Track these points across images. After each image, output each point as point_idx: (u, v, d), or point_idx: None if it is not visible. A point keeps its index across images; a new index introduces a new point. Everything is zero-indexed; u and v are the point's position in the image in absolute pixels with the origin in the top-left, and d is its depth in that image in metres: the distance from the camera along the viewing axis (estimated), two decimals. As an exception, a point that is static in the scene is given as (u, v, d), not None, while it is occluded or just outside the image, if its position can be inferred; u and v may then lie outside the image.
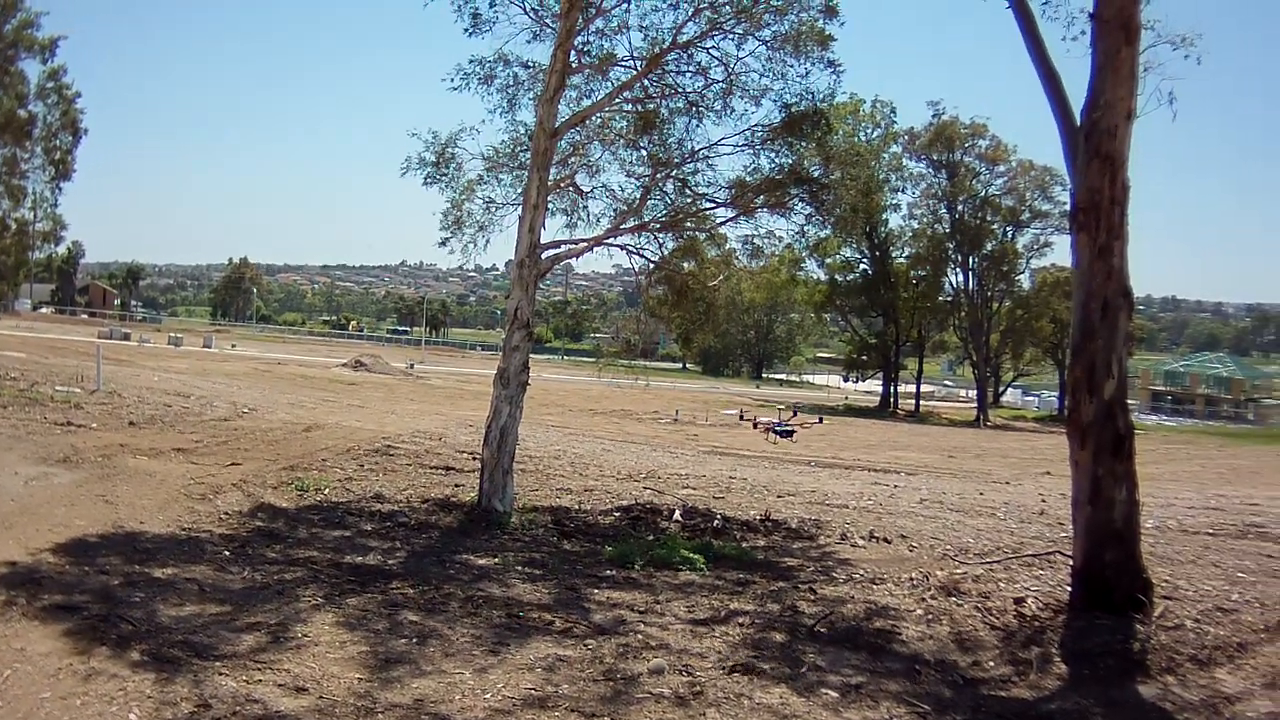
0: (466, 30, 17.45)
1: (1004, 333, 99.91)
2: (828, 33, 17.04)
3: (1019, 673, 8.59)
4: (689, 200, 18.70)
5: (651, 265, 18.95)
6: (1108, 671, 8.53)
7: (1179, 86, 11.41)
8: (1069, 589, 10.46)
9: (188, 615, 8.95)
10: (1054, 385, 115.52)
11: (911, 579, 11.73)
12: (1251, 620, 9.79)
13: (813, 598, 10.86)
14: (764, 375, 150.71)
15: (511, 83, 18.43)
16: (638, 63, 17.53)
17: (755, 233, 19.31)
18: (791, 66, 17.23)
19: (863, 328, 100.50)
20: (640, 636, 9.13)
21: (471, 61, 18.05)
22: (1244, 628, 9.57)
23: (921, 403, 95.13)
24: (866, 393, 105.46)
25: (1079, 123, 10.48)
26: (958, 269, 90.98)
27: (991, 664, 8.81)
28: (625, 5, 17.25)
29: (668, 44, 17.11)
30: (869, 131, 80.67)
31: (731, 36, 17.27)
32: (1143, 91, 10.48)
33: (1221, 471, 40.83)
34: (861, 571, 12.36)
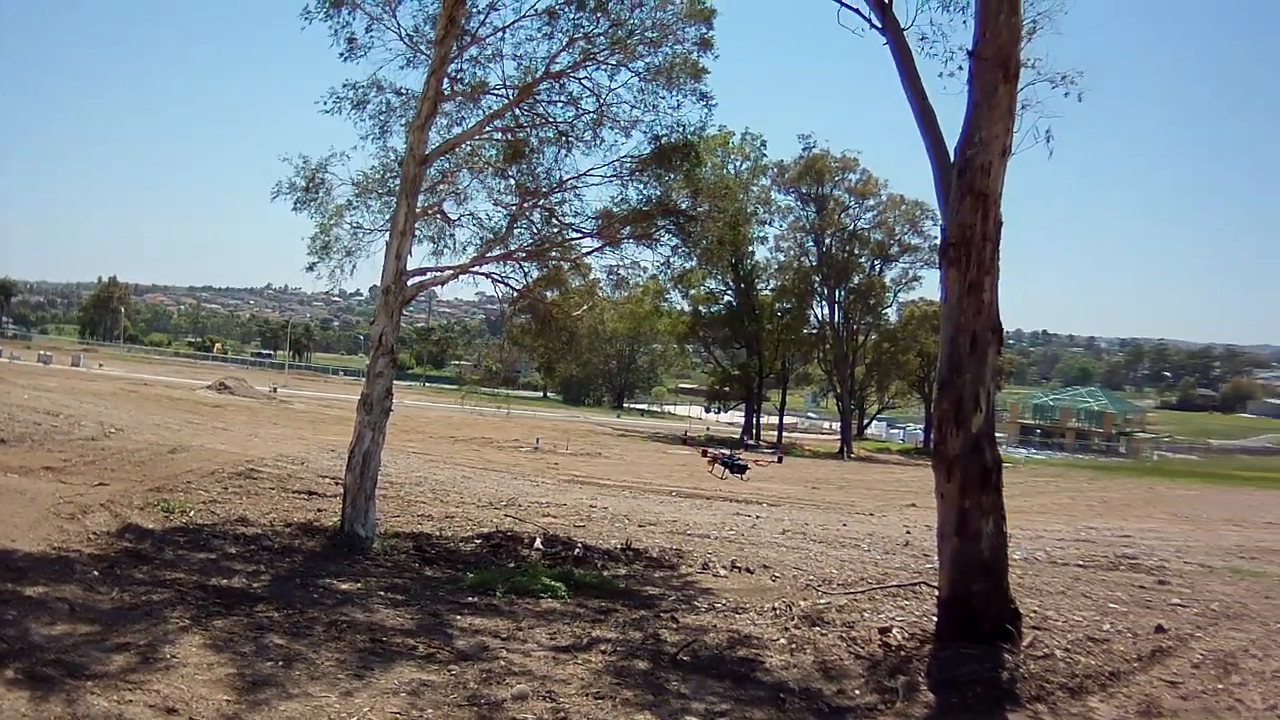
0: (342, 55, 17.50)
1: (870, 366, 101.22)
2: (701, 65, 17.26)
3: (885, 701, 8.58)
4: (555, 230, 18.77)
5: (515, 294, 18.89)
6: (976, 700, 8.58)
7: (1058, 124, 11.65)
8: (935, 619, 10.51)
9: (59, 634, 8.82)
10: (919, 418, 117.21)
11: (774, 609, 11.75)
12: (1124, 650, 9.98)
13: (675, 626, 10.82)
14: (625, 405, 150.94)
15: (384, 109, 18.42)
16: (510, 91, 17.57)
17: (620, 263, 19.38)
18: (663, 98, 17.42)
19: (726, 359, 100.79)
20: (503, 663, 9.03)
21: (345, 86, 18.09)
22: (1116, 657, 9.74)
23: (784, 434, 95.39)
24: (728, 424, 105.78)
25: (953, 159, 10.54)
26: (823, 302, 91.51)
27: (857, 692, 8.80)
28: (500, 34, 17.29)
29: (541, 73, 17.20)
30: (738, 164, 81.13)
31: (604, 67, 17.41)
32: (1019, 129, 10.55)
33: (1092, 504, 41.79)
34: (724, 601, 12.36)
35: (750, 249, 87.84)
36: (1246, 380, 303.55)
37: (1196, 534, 26.55)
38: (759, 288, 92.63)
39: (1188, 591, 13.88)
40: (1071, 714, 8.30)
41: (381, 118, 18.42)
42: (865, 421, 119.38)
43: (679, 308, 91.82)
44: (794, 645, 10.12)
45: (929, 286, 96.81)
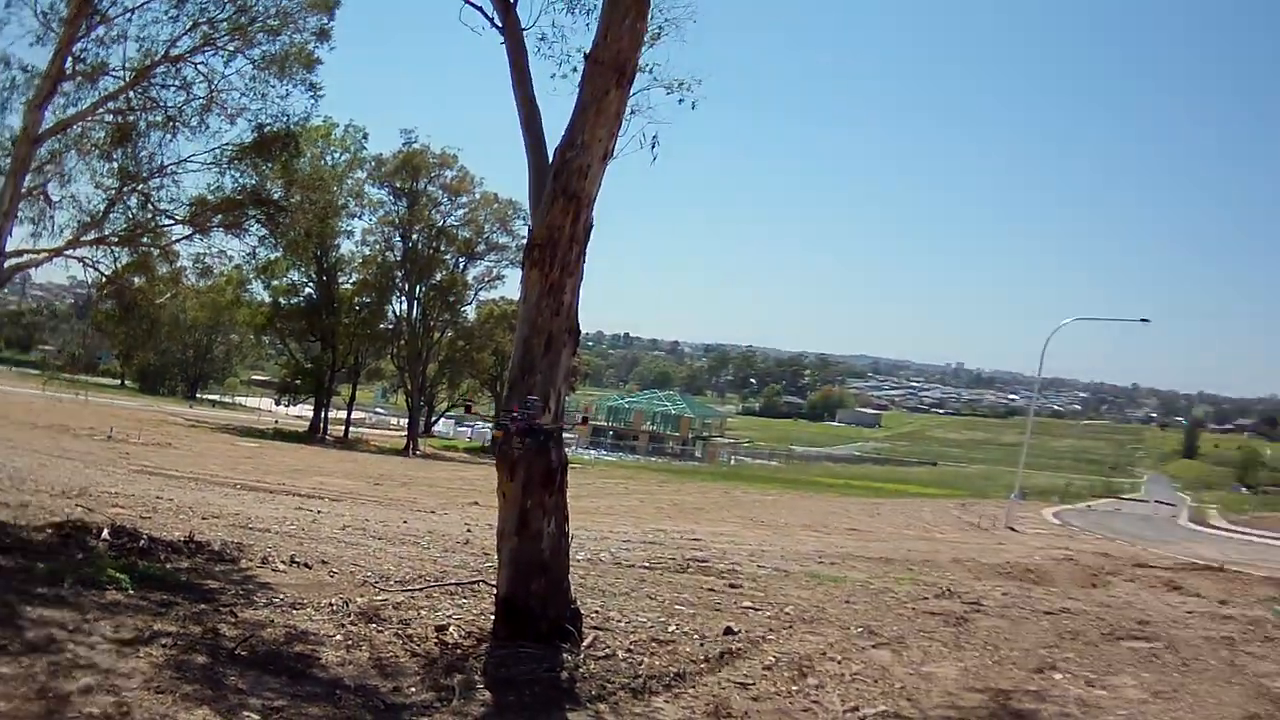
0: (-22, 29, 16.39)
1: (443, 363, 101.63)
2: (316, 55, 17.29)
3: (441, 699, 8.61)
4: (150, 216, 18.12)
5: (104, 279, 18.04)
6: (534, 699, 8.72)
7: (668, 129, 11.85)
8: (493, 618, 10.54)
9: None
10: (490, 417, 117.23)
11: (332, 604, 11.60)
12: (690, 651, 10.27)
13: (234, 620, 10.53)
14: (198, 395, 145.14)
15: (8, 85, 17.39)
16: (127, 73, 17.11)
17: (208, 251, 19.05)
18: (273, 87, 17.56)
19: (300, 352, 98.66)
20: (70, 655, 8.64)
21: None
22: (682, 658, 10.01)
23: (352, 429, 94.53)
24: (297, 417, 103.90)
25: (550, 159, 10.54)
26: (403, 297, 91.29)
27: (413, 690, 8.81)
28: (129, 15, 16.69)
29: (160, 56, 16.86)
30: (337, 156, 79.95)
31: (222, 53, 17.42)
32: (626, 133, 10.75)
33: (663, 507, 42.83)
34: (282, 596, 12.11)
35: (336, 242, 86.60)
36: (838, 389, 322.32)
37: (773, 539, 27.78)
38: (341, 281, 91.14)
39: (761, 595, 14.41)
40: (635, 714, 8.53)
41: (3, 94, 17.39)
42: (434, 418, 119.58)
43: (260, 298, 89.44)
44: (350, 642, 10.03)
45: (511, 286, 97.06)
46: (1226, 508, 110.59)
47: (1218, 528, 73.64)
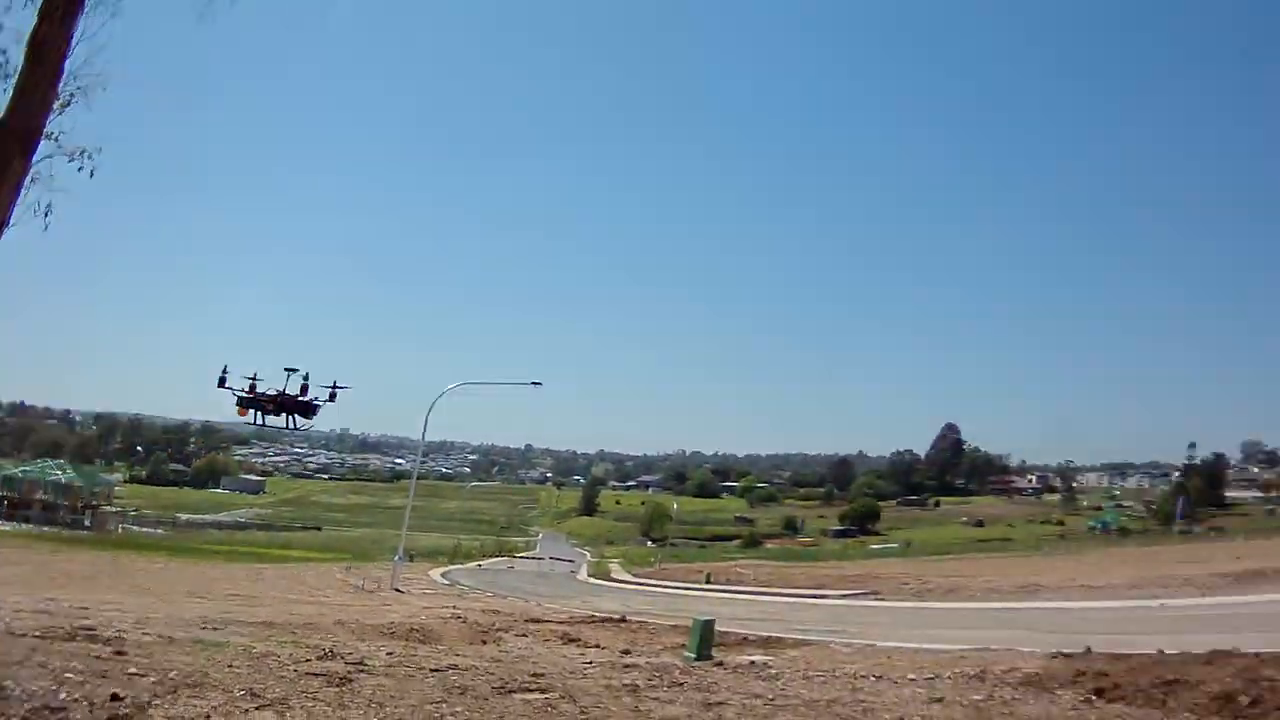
0: None
1: None
2: None
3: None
4: None
5: None
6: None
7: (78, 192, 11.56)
8: None
9: None
10: None
11: None
12: (81, 718, 10.07)
13: None
14: None
15: None
16: None
17: None
18: None
19: None
20: None
21: None
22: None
23: None
24: None
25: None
26: None
27: None
28: None
29: None
30: None
31: None
32: (24, 201, 10.41)
33: (54, 576, 40.82)
34: None
35: None
36: (222, 456, 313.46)
37: (159, 606, 26.93)
38: None
39: (146, 661, 14.10)
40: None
41: None
42: None
43: None
44: None
45: None
46: (632, 561, 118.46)
47: (623, 581, 78.76)
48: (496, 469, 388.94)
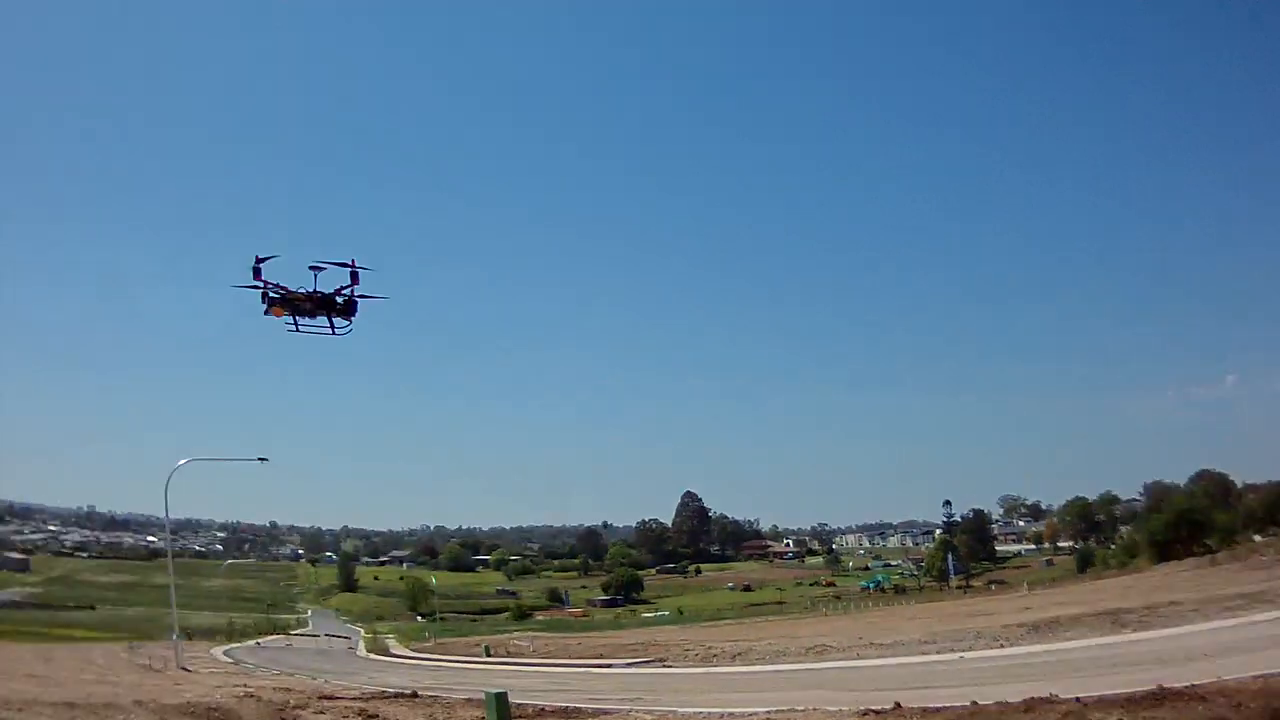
0: None
1: None
2: None
3: None
4: None
5: None
6: None
7: None
8: None
9: None
10: None
11: None
12: None
13: None
14: None
15: None
16: None
17: None
18: None
19: None
20: None
21: None
22: None
23: None
24: None
25: None
26: None
27: None
28: None
29: None
30: None
31: None
32: None
33: None
34: None
35: None
36: None
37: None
38: None
39: None
40: None
41: None
42: None
43: None
44: None
45: None
46: (407, 636, 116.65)
47: (402, 656, 77.89)
48: (247, 545, 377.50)
